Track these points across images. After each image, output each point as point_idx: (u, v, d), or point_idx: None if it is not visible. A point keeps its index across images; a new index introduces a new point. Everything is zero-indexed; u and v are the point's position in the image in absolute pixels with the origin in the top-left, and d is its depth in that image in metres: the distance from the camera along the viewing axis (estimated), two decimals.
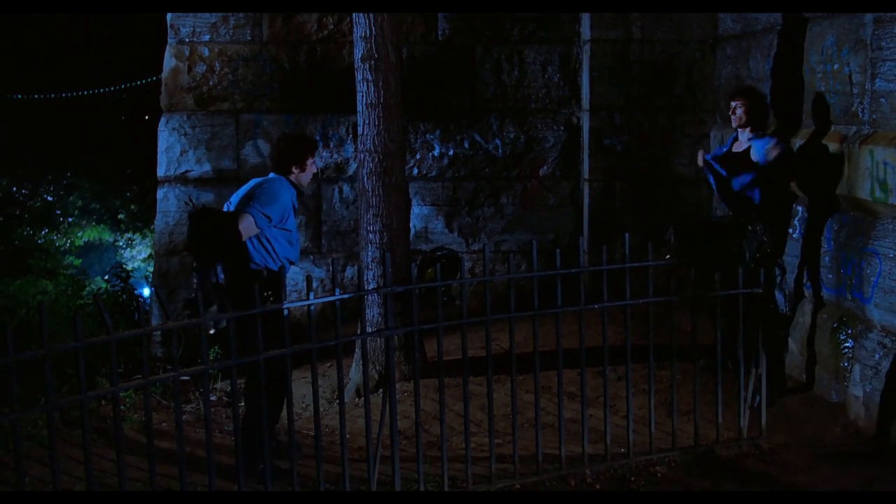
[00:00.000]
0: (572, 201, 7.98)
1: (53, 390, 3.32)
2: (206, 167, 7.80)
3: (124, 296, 9.54)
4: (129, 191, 17.82)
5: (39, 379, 3.34)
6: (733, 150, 6.03)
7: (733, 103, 5.96)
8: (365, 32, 6.04)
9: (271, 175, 5.11)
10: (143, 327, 3.61)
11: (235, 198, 5.07)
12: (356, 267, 7.56)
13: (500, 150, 7.92)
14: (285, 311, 4.04)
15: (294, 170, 5.07)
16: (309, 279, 4.12)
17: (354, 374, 6.35)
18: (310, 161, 5.10)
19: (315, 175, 5.30)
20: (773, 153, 5.79)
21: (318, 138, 7.63)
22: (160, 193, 7.87)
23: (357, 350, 6.32)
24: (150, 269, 11.58)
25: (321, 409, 4.45)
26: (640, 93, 7.70)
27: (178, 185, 7.81)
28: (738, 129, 5.99)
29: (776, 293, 5.64)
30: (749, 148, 5.88)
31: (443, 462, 4.37)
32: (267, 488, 3.94)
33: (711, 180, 6.03)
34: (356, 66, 6.15)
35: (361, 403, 5.49)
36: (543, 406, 4.89)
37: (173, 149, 7.80)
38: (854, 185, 5.35)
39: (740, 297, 4.90)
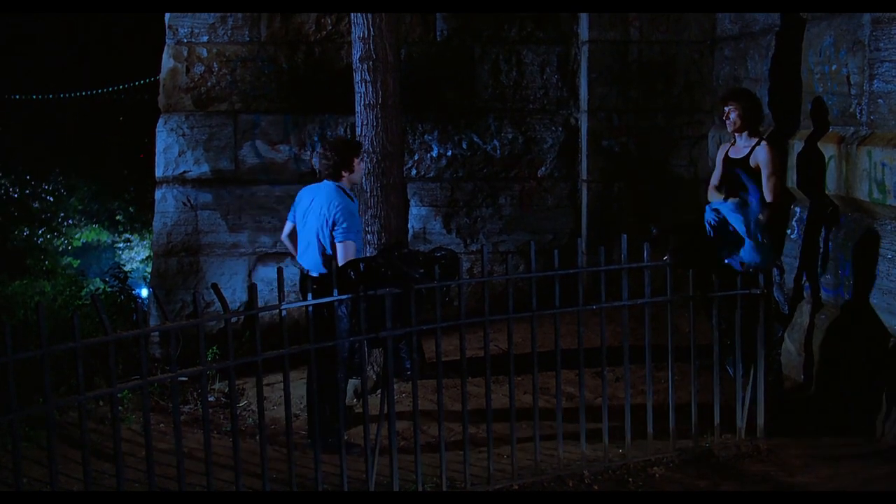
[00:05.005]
0: (570, 202, 7.98)
1: (52, 391, 3.32)
2: (205, 168, 7.79)
3: (122, 296, 9.54)
4: (127, 192, 17.80)
5: (38, 379, 3.33)
6: (730, 154, 6.00)
7: (727, 108, 5.85)
8: (363, 33, 6.04)
9: (328, 185, 5.40)
10: (142, 328, 3.60)
11: (300, 211, 5.48)
12: None
13: (498, 151, 7.91)
14: (283, 312, 4.04)
15: (344, 174, 5.41)
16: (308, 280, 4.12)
17: None
18: (356, 161, 5.47)
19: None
20: (772, 156, 5.77)
21: (316, 139, 7.63)
22: (158, 194, 7.86)
23: None
24: (149, 269, 11.58)
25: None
26: (638, 94, 7.70)
27: (177, 185, 7.81)
28: (735, 134, 5.93)
29: (775, 293, 5.63)
30: (749, 154, 5.83)
31: (441, 462, 4.37)
32: (264, 483, 3.94)
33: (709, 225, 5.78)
34: (354, 67, 6.15)
35: (360, 404, 5.49)
36: (542, 407, 4.90)
37: (171, 149, 7.80)
38: (852, 185, 5.35)
39: (738, 297, 4.90)
